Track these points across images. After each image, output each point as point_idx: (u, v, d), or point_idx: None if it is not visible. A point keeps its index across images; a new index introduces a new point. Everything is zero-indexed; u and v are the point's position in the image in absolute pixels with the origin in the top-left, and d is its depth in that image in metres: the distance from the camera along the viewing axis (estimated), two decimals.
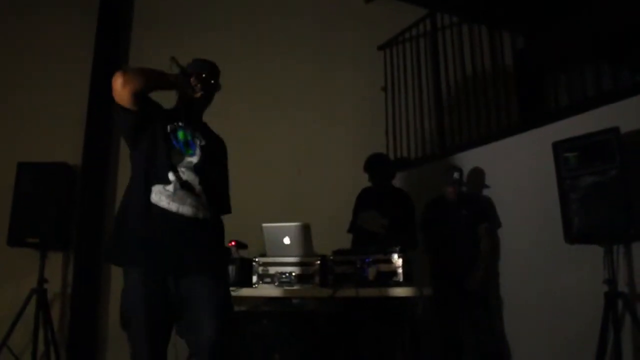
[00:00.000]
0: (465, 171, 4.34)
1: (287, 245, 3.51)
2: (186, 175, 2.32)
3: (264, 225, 3.65)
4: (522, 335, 3.98)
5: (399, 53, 5.55)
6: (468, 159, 4.47)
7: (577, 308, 3.53)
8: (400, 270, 3.30)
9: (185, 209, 2.28)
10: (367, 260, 3.35)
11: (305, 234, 3.45)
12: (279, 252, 3.60)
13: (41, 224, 4.35)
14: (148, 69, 2.32)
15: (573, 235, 3.31)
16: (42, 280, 4.23)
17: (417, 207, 4.23)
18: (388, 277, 3.32)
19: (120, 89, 2.20)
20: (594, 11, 4.52)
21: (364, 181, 4.23)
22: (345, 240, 4.15)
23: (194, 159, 2.36)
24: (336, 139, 5.21)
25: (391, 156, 5.29)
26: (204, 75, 2.45)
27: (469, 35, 4.92)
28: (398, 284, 3.29)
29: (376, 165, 4.18)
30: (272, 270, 3.61)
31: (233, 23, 5.42)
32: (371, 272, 3.32)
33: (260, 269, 3.65)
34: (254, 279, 3.65)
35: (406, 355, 3.53)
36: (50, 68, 4.96)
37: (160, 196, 2.26)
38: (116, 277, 4.77)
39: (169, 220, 2.25)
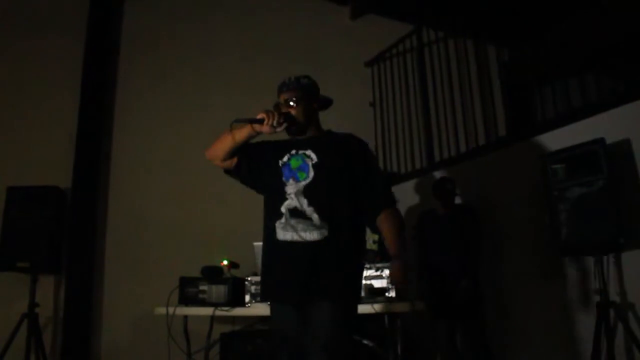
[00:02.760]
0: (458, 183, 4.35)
1: None
2: (295, 201, 2.37)
3: (255, 243, 3.65)
4: (514, 347, 3.99)
5: (386, 69, 5.60)
6: (457, 173, 4.50)
7: (569, 318, 3.55)
8: (392, 286, 3.31)
9: (297, 235, 2.33)
10: None
11: None
12: None
13: (32, 248, 4.30)
14: (221, 137, 2.48)
15: (562, 246, 3.34)
16: (33, 304, 4.18)
17: (408, 222, 4.24)
18: (379, 293, 3.32)
19: (213, 162, 2.53)
20: (578, 24, 4.59)
21: None
22: None
23: (307, 182, 2.39)
24: None
25: None
26: (279, 107, 2.47)
27: (455, 50, 4.98)
28: (390, 300, 3.29)
29: None
30: None
31: (220, 41, 5.46)
32: (363, 287, 3.32)
33: (253, 288, 3.64)
34: (247, 298, 3.64)
35: None
36: (39, 91, 4.94)
37: (279, 230, 2.37)
38: (108, 300, 4.76)
39: (288, 251, 2.34)
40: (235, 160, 2.52)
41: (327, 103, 2.67)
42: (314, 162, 2.42)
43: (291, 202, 2.37)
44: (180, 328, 3.90)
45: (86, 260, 4.72)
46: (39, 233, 4.35)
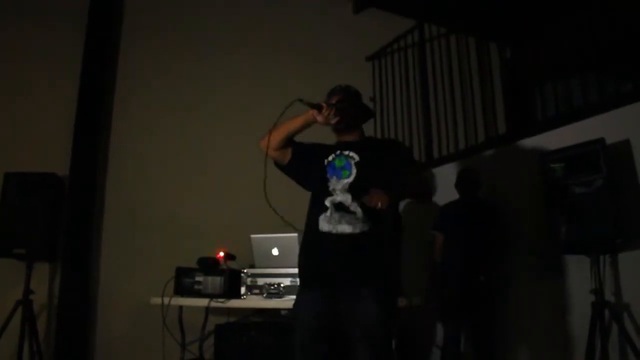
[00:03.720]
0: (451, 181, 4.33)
1: (276, 256, 3.51)
2: (340, 197, 2.53)
3: (252, 236, 3.65)
4: (512, 344, 3.99)
5: (387, 64, 5.58)
6: (455, 170, 4.49)
7: (564, 317, 3.55)
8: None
9: (341, 228, 2.48)
10: None
11: (294, 245, 3.44)
12: (267, 263, 3.60)
13: (28, 235, 4.30)
14: (280, 124, 2.63)
15: (560, 245, 3.34)
16: (27, 291, 4.18)
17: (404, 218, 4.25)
18: None
19: (268, 150, 2.66)
20: (580, 22, 4.57)
21: None
22: None
23: (350, 179, 2.56)
24: None
25: None
26: (332, 102, 2.64)
27: (457, 46, 4.97)
28: None
29: None
30: (261, 281, 3.61)
31: (222, 34, 5.43)
32: None
33: (249, 280, 3.65)
34: (243, 290, 3.65)
35: None
36: (38, 78, 4.93)
37: (323, 223, 2.52)
38: (104, 289, 4.76)
39: (331, 242, 2.48)
40: (288, 154, 2.72)
41: (369, 113, 2.89)
42: (356, 161, 2.61)
43: (336, 197, 2.54)
44: (175, 319, 3.90)
45: (82, 248, 4.71)
46: (36, 220, 4.35)
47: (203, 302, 3.69)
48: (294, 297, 3.41)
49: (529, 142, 3.95)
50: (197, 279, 3.81)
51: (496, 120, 4.53)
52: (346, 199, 2.51)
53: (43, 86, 4.92)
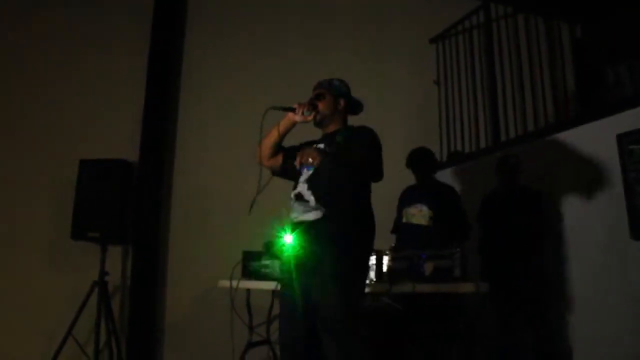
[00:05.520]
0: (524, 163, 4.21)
1: None
2: (300, 188, 2.68)
3: None
4: (585, 337, 3.86)
5: (451, 46, 5.46)
6: (524, 153, 4.36)
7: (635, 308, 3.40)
8: (457, 266, 3.26)
9: (299, 217, 2.63)
10: (423, 255, 3.31)
11: None
12: None
13: (101, 219, 4.48)
14: (264, 136, 2.76)
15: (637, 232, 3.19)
16: (103, 273, 4.36)
17: (472, 202, 4.16)
18: (445, 273, 3.28)
19: (262, 162, 2.83)
20: None
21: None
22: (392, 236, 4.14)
23: (312, 170, 2.67)
24: (388, 134, 5.14)
25: (444, 150, 5.21)
26: (312, 97, 2.81)
27: (525, 26, 4.80)
28: (455, 280, 3.25)
29: (416, 159, 4.13)
30: None
31: (285, 25, 5.46)
32: (427, 267, 3.29)
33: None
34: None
35: (461, 352, 3.49)
36: (109, 69, 5.13)
37: (292, 213, 2.70)
38: (173, 271, 4.90)
39: (294, 229, 2.61)
40: (279, 160, 2.84)
41: (357, 105, 2.95)
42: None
43: (297, 189, 2.69)
44: (242, 301, 3.98)
45: (152, 232, 4.87)
46: (108, 204, 4.52)
47: (270, 285, 3.73)
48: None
49: (604, 123, 3.77)
50: (264, 262, 3.86)
51: (567, 101, 4.36)
52: (303, 189, 2.66)
53: (113, 78, 5.13)
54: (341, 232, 2.52)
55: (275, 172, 2.88)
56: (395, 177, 4.22)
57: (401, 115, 5.25)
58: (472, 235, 4.02)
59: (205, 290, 4.56)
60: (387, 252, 3.48)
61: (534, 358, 3.90)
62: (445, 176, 4.79)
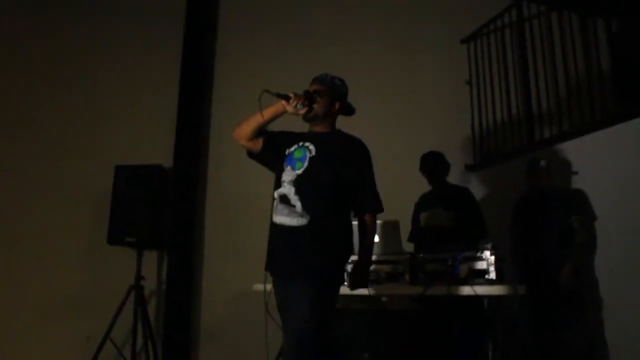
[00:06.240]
0: (555, 165, 4.15)
1: (376, 242, 3.48)
2: (286, 189, 2.59)
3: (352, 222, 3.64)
4: (622, 337, 3.76)
5: (483, 45, 5.38)
6: (559, 153, 4.28)
7: None
8: (492, 268, 3.21)
9: (282, 219, 2.56)
10: (458, 257, 3.27)
11: (394, 231, 3.42)
12: None
13: (137, 224, 4.56)
14: (250, 116, 2.70)
15: None
16: (139, 277, 4.43)
17: (506, 204, 4.10)
18: (480, 275, 3.23)
19: (239, 141, 2.74)
20: None
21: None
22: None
23: (300, 172, 2.60)
24: (420, 134, 5.11)
25: (477, 151, 5.14)
26: (309, 90, 2.70)
27: (559, 24, 4.70)
28: (490, 282, 3.19)
29: (429, 164, 4.14)
30: None
31: (315, 25, 5.46)
32: (462, 269, 3.24)
33: (349, 266, 3.63)
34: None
35: (497, 355, 3.43)
36: (142, 79, 5.23)
37: (273, 213, 2.61)
38: (208, 276, 4.94)
39: (276, 233, 2.58)
40: (260, 143, 2.75)
41: (350, 110, 2.86)
42: (312, 154, 2.64)
43: (283, 189, 2.59)
44: (276, 305, 3.98)
45: (187, 237, 4.93)
46: (144, 210, 4.59)
47: None
48: (394, 284, 3.43)
49: None
50: None
51: (604, 99, 4.25)
52: (290, 192, 2.57)
53: (147, 86, 5.23)
54: (323, 242, 2.53)
55: (251, 155, 2.82)
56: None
57: (433, 116, 5.19)
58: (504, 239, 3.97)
59: (239, 294, 4.58)
60: (422, 255, 3.44)
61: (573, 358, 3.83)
62: (479, 178, 4.73)
